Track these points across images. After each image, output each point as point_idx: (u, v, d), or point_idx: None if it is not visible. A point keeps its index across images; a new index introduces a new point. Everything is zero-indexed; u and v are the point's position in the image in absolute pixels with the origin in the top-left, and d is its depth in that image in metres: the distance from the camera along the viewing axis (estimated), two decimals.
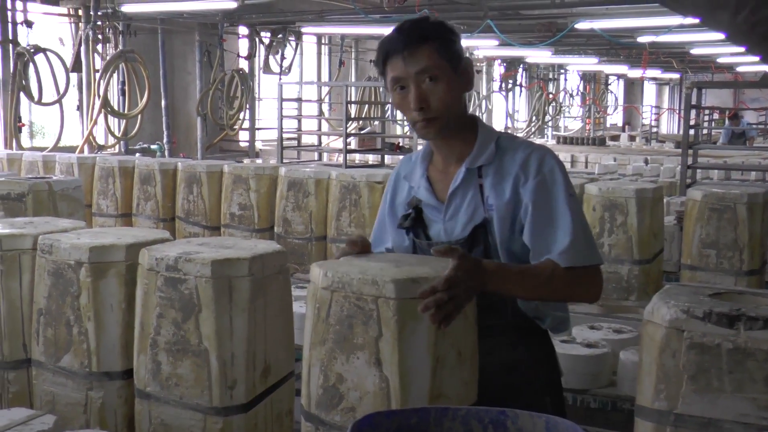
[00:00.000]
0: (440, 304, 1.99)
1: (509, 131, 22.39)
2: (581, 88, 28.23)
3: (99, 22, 11.97)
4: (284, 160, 11.98)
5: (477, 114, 21.87)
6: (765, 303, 2.23)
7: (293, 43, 15.94)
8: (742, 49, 12.54)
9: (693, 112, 9.22)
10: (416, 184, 2.54)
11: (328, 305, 2.16)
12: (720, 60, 20.40)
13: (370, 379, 2.12)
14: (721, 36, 10.49)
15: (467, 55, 2.52)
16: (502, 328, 2.46)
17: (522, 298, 2.37)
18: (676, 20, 11.31)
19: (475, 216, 2.41)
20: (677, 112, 29.34)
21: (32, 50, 11.08)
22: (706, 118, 14.51)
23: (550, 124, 24.89)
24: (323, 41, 17.76)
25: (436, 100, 2.34)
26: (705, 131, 13.02)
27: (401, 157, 12.37)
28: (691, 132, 9.27)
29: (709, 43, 15.22)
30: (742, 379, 2.06)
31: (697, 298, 2.23)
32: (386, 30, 11.98)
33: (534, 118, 24.04)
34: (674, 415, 2.14)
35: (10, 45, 11.14)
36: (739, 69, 22.14)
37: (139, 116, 12.56)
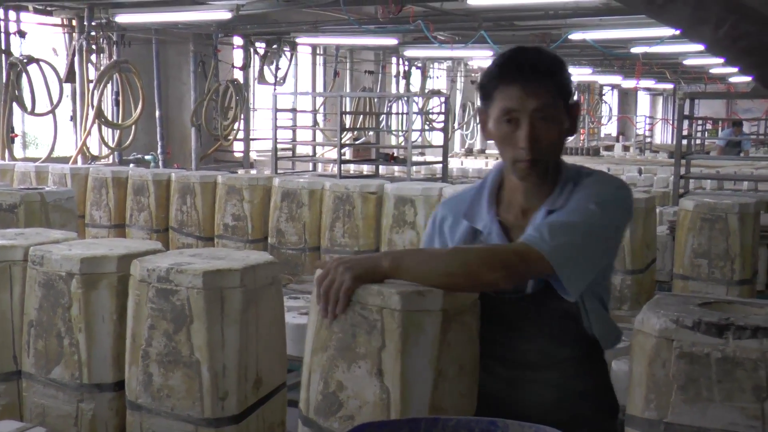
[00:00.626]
0: (326, 290, 2.08)
1: None
2: (576, 99, 28.30)
3: (93, 33, 11.95)
4: (279, 171, 11.98)
5: (472, 124, 21.94)
6: (754, 312, 2.24)
7: (288, 54, 15.96)
8: None
9: (686, 123, 9.24)
10: (485, 229, 2.34)
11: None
12: (713, 71, 20.48)
13: (370, 389, 2.11)
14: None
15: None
16: (576, 359, 2.37)
17: (429, 279, 2.12)
18: (668, 31, 11.35)
19: None
20: (671, 122, 29.40)
21: (25, 60, 11.05)
22: (699, 128, 14.54)
23: None
24: (318, 52, 17.78)
25: (545, 141, 2.20)
26: (698, 141, 13.04)
27: (396, 168, 12.39)
28: (684, 142, 9.29)
29: (702, 54, 15.27)
30: (731, 388, 2.07)
31: (686, 307, 2.24)
32: (381, 40, 12.05)
33: None
34: (664, 424, 2.14)
35: (3, 55, 11.13)
36: (732, 80, 22.21)
37: (133, 127, 12.54)
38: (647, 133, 29.77)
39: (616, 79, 25.14)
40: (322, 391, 2.19)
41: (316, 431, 2.21)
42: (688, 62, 18.03)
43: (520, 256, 2.11)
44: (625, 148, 22.35)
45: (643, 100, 35.66)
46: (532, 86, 2.16)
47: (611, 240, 2.31)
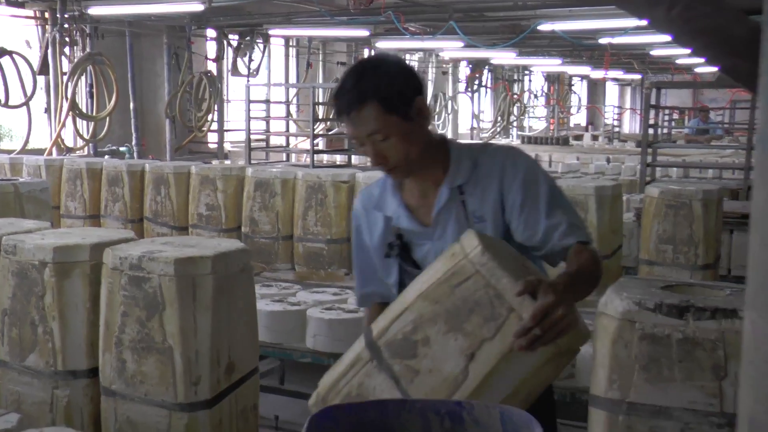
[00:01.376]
0: (533, 339, 1.92)
1: (475, 131, 22.48)
2: (545, 89, 28.36)
3: (66, 25, 11.86)
4: (252, 162, 11.94)
5: (443, 115, 21.88)
6: (714, 294, 2.26)
7: (261, 46, 15.90)
8: None
9: (653, 112, 9.30)
10: (394, 214, 2.47)
11: (464, 278, 2.05)
12: (679, 61, 20.57)
13: (452, 363, 2.06)
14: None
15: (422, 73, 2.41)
16: None
17: (590, 293, 2.26)
18: (635, 22, 11.40)
19: (463, 231, 2.32)
20: (638, 112, 29.55)
21: None
22: (666, 118, 14.62)
23: (514, 124, 24.98)
24: (291, 43, 17.72)
25: (393, 155, 2.31)
26: (665, 131, 13.11)
27: (368, 159, 12.42)
28: (651, 131, 9.35)
29: (669, 44, 15.35)
30: (691, 368, 2.09)
31: (649, 290, 2.27)
32: (353, 32, 12.02)
33: (499, 118, 24.12)
34: (627, 404, 2.17)
35: None
36: (698, 70, 22.33)
37: (108, 119, 12.47)
38: (615, 123, 29.89)
39: (585, 69, 25.22)
40: (406, 333, 2.11)
41: (376, 358, 2.13)
42: (655, 53, 18.09)
43: (596, 253, 2.24)
44: (594, 138, 22.44)
45: (612, 91, 35.79)
46: (357, 115, 2.26)
47: None
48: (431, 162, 2.40)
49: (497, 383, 2.04)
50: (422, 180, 2.43)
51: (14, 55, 11.08)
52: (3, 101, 11.07)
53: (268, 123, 13.98)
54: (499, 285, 1.99)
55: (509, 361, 2.00)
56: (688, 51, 15.28)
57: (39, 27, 12.19)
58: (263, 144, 13.81)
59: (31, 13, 12.03)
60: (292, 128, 15.54)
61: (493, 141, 18.97)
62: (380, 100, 2.25)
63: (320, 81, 17.74)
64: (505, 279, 1.99)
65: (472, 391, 2.04)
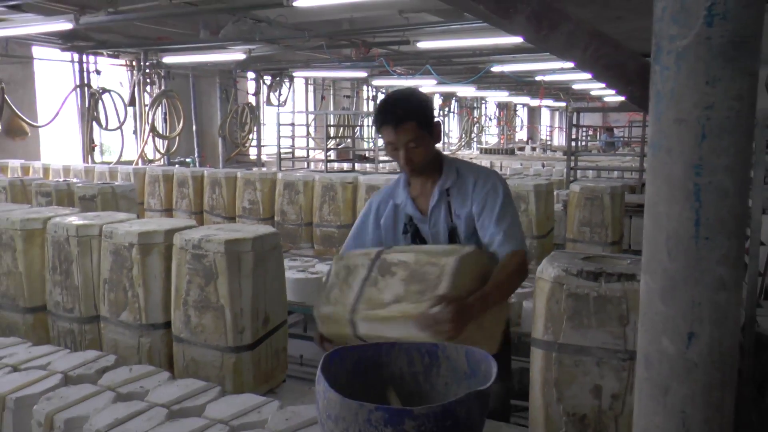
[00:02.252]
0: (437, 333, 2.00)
1: (445, 145, 22.43)
2: (497, 114, 28.32)
3: (147, 70, 11.89)
4: (282, 168, 11.92)
5: None
6: (619, 263, 2.26)
7: (288, 84, 15.86)
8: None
9: (574, 130, 9.28)
10: (402, 202, 2.56)
11: (435, 264, 2.15)
12: (593, 93, 20.58)
13: (389, 295, 2.14)
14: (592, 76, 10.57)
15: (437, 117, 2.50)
16: None
17: (504, 300, 2.36)
18: (561, 64, 11.39)
19: (447, 224, 2.49)
20: (564, 129, 29.51)
21: (101, 91, 11.09)
22: (583, 134, 14.61)
23: (474, 139, 24.94)
24: (309, 82, 17.68)
25: (418, 159, 2.40)
26: (583, 143, 13.11)
27: (368, 165, 12.34)
28: (573, 144, 9.33)
29: (586, 80, 15.34)
30: (603, 318, 2.09)
31: (573, 261, 2.26)
32: (354, 73, 11.93)
33: (463, 135, 24.10)
34: (558, 344, 2.16)
35: (85, 87, 11.11)
36: (606, 99, 22.32)
37: (177, 138, 12.46)
38: (548, 138, 29.88)
39: (526, 99, 25.21)
40: (393, 262, 2.23)
41: (374, 260, 2.28)
42: (576, 87, 18.10)
43: (524, 260, 2.32)
44: (533, 149, 22.39)
45: (545, 114, 35.76)
46: (401, 127, 2.35)
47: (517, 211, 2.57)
48: (431, 167, 2.49)
49: (392, 327, 2.09)
50: (423, 180, 2.53)
51: (111, 93, 11.17)
52: (104, 126, 11.13)
53: (293, 140, 13.97)
54: (440, 282, 2.07)
55: (406, 321, 2.05)
56: (601, 85, 15.29)
57: (129, 71, 12.20)
58: (290, 155, 13.81)
59: (123, 61, 12.06)
60: (311, 144, 15.54)
61: (458, 153, 18.93)
62: (417, 120, 2.36)
63: (331, 109, 17.74)
64: (444, 283, 2.07)
65: (380, 318, 2.11)
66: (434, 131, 2.44)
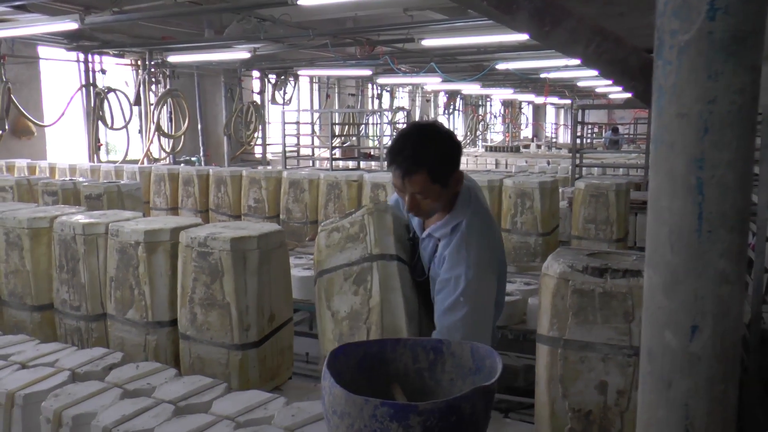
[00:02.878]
0: None
1: None
2: (502, 111, 28.30)
3: (152, 69, 11.92)
4: (287, 166, 11.93)
5: None
6: (624, 259, 2.25)
7: (292, 82, 15.87)
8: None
9: (579, 127, 9.27)
10: (412, 226, 2.55)
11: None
12: (598, 90, 20.54)
13: None
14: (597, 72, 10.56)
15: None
16: None
17: None
18: (566, 61, 11.36)
19: (427, 263, 2.44)
20: (569, 126, 29.47)
21: (106, 90, 11.14)
22: (589, 131, 14.59)
23: (480, 137, 24.93)
24: (314, 80, 17.69)
25: (425, 208, 2.29)
26: (588, 140, 13.08)
27: (373, 163, 12.37)
28: (579, 141, 9.32)
29: (591, 77, 15.31)
30: (608, 314, 2.08)
31: (578, 257, 2.25)
32: (359, 72, 11.95)
33: (468, 133, 24.09)
34: (563, 340, 2.16)
35: (91, 87, 11.16)
36: (611, 96, 22.28)
37: (182, 137, 12.48)
38: (553, 135, 29.86)
39: (531, 96, 25.17)
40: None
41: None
42: (581, 84, 18.06)
43: None
44: (538, 146, 22.38)
45: (550, 111, 35.73)
46: (410, 177, 2.20)
47: (491, 296, 2.37)
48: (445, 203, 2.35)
49: None
50: None
51: (117, 92, 11.21)
52: (110, 125, 11.16)
53: (298, 138, 13.99)
54: None
55: None
56: (607, 82, 15.26)
57: (134, 71, 12.25)
58: (295, 153, 13.83)
59: (128, 61, 12.11)
60: (316, 142, 15.55)
61: (464, 150, 18.89)
62: (430, 172, 2.19)
63: (336, 107, 17.74)
64: None
65: None
66: (450, 179, 2.25)
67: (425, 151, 2.19)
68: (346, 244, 2.52)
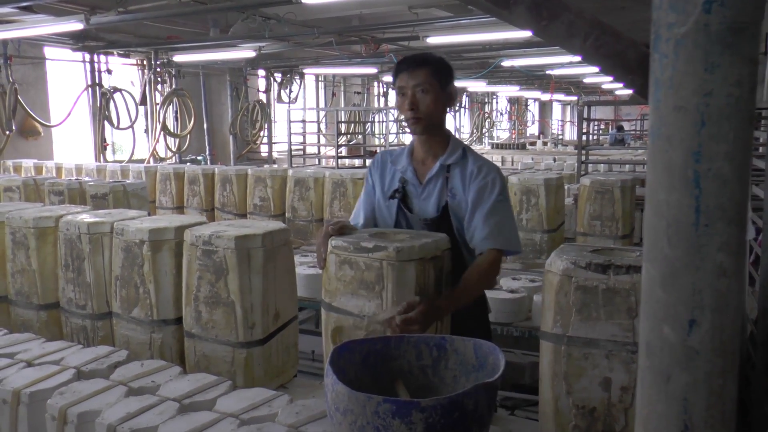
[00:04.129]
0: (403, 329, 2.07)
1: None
2: (508, 109, 28.25)
3: (158, 69, 11.95)
4: (293, 165, 11.95)
5: None
6: (628, 256, 2.25)
7: (298, 81, 15.88)
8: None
9: (585, 124, 9.25)
10: (403, 169, 2.58)
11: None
12: (604, 86, 20.48)
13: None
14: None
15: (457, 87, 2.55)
16: None
17: (471, 300, 2.39)
18: (571, 58, 11.33)
19: (441, 199, 2.50)
20: (575, 123, 29.38)
21: (112, 90, 11.17)
22: (595, 128, 14.56)
23: (486, 134, 24.90)
24: (320, 79, 17.70)
25: (424, 106, 2.42)
26: (594, 137, 13.06)
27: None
28: (584, 138, 9.30)
29: (596, 74, 15.27)
30: (612, 310, 2.08)
31: (582, 253, 2.25)
32: (365, 70, 11.96)
33: (475, 130, 24.06)
34: (567, 337, 2.16)
35: (97, 87, 11.19)
36: (617, 92, 22.21)
37: (188, 136, 12.51)
38: (559, 132, 29.79)
39: (537, 93, 25.10)
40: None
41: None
42: (587, 80, 18.02)
43: (496, 260, 2.39)
44: (544, 143, 22.34)
45: (557, 108, 35.64)
46: (414, 70, 2.41)
47: (512, 210, 2.58)
48: (437, 139, 2.53)
49: None
50: (426, 150, 2.55)
51: (123, 92, 11.24)
52: (116, 125, 11.20)
53: (304, 137, 14.00)
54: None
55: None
56: (611, 78, 15.21)
57: (140, 70, 12.28)
58: (301, 152, 13.84)
59: (134, 61, 12.15)
60: (322, 140, 15.56)
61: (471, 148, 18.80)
62: (432, 68, 2.41)
63: (342, 105, 17.75)
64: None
65: None
66: (447, 88, 2.46)
67: (429, 55, 2.46)
68: (359, 290, 2.29)
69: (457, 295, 2.27)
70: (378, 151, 13.26)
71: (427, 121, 2.45)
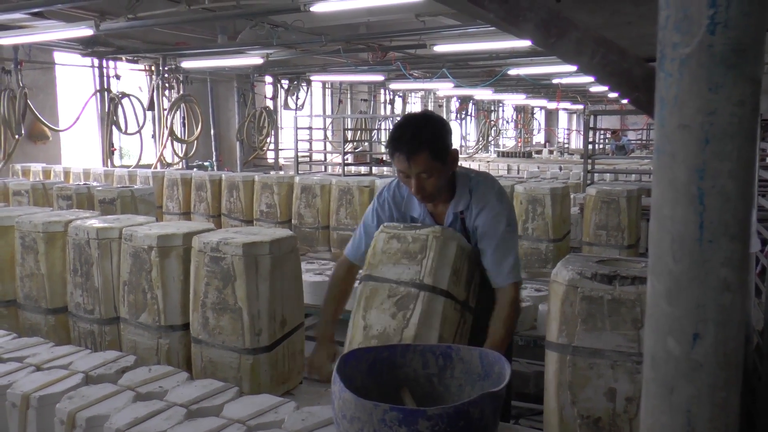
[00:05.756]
0: None
1: (463, 148, 22.41)
2: (514, 117, 28.24)
3: (166, 75, 12.00)
4: (299, 172, 11.97)
5: None
6: (633, 266, 2.26)
7: (305, 88, 15.93)
8: None
9: (591, 133, 9.25)
10: (420, 216, 2.58)
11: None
12: (610, 95, 20.46)
13: None
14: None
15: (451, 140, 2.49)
16: None
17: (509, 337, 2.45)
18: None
19: (464, 238, 2.51)
20: (581, 132, 29.34)
21: (120, 95, 11.20)
22: (601, 137, 14.55)
23: (492, 142, 24.90)
24: (327, 86, 17.74)
25: (430, 188, 2.40)
26: (600, 146, 13.05)
27: (385, 168, 12.38)
28: (590, 147, 9.30)
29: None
30: (617, 320, 2.09)
31: (587, 264, 2.26)
32: (372, 77, 11.94)
33: (481, 138, 24.06)
34: (572, 347, 2.17)
35: (105, 92, 11.24)
36: (624, 101, 22.20)
37: (195, 142, 12.56)
38: (566, 141, 29.76)
39: (543, 102, 25.09)
40: None
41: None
42: (593, 89, 18.02)
43: (515, 296, 2.42)
44: (550, 152, 22.30)
45: (563, 117, 35.61)
46: (413, 158, 2.33)
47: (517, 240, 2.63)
48: (445, 190, 2.50)
49: None
50: (438, 201, 2.54)
51: (131, 97, 11.29)
52: (124, 130, 11.25)
53: (310, 143, 14.03)
54: None
55: None
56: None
57: (148, 76, 12.33)
58: (307, 159, 13.87)
59: (142, 66, 12.19)
60: (328, 147, 15.59)
61: (475, 156, 18.84)
62: (430, 151, 2.34)
63: (348, 112, 17.79)
64: None
65: None
66: (448, 160, 2.41)
67: (423, 132, 2.35)
68: (401, 259, 2.40)
69: (499, 345, 2.30)
70: (384, 158, 13.29)
71: (436, 194, 2.47)
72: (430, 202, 2.51)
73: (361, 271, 2.52)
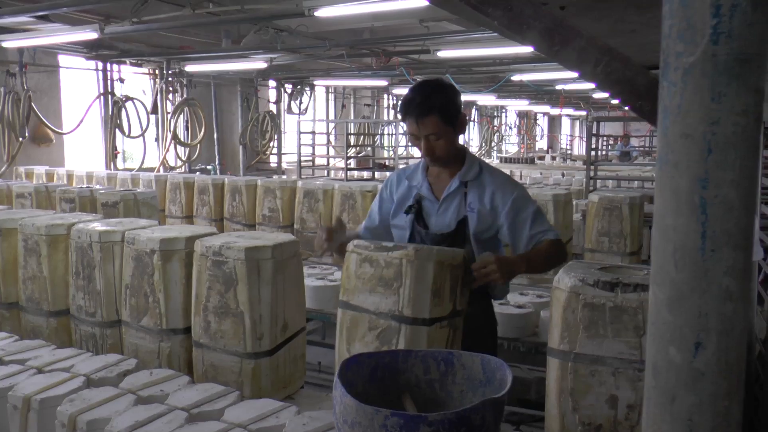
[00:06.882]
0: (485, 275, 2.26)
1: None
2: (517, 123, 28.26)
3: (170, 78, 12.03)
4: (302, 176, 11.99)
5: None
6: (636, 273, 2.26)
7: (308, 92, 15.95)
8: None
9: (594, 139, 9.25)
10: (419, 184, 2.66)
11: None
12: (614, 101, 20.46)
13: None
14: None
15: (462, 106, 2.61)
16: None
17: (538, 272, 2.61)
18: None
19: (459, 214, 2.58)
20: (584, 139, 29.33)
21: (124, 99, 11.24)
22: (604, 143, 14.55)
23: (495, 148, 24.91)
24: (330, 90, 17.77)
25: (439, 150, 2.50)
26: (603, 152, 13.04)
27: (388, 173, 12.46)
28: (593, 153, 9.30)
29: None
30: (619, 328, 2.09)
31: (589, 271, 2.26)
32: (375, 82, 11.97)
33: (484, 144, 24.07)
34: (574, 354, 2.17)
35: (109, 95, 11.27)
36: (626, 107, 22.17)
37: (198, 145, 12.58)
38: (568, 147, 29.74)
39: (546, 108, 25.15)
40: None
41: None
42: (596, 96, 18.03)
43: (564, 248, 2.60)
44: (553, 158, 22.29)
45: (566, 123, 35.61)
46: (423, 120, 2.44)
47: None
48: (453, 159, 2.59)
49: None
50: (443, 168, 2.63)
51: (135, 101, 11.32)
52: (127, 133, 11.27)
53: (313, 148, 14.05)
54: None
55: None
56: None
57: (151, 80, 12.37)
58: (310, 163, 13.90)
59: (146, 70, 12.23)
60: (331, 152, 15.61)
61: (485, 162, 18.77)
62: (441, 114, 2.44)
63: (351, 117, 17.81)
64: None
65: None
66: (458, 124, 2.51)
67: (433, 97, 2.44)
68: (377, 287, 2.28)
69: (530, 258, 2.43)
70: (387, 164, 13.31)
71: (446, 158, 2.55)
72: (440, 165, 2.58)
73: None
